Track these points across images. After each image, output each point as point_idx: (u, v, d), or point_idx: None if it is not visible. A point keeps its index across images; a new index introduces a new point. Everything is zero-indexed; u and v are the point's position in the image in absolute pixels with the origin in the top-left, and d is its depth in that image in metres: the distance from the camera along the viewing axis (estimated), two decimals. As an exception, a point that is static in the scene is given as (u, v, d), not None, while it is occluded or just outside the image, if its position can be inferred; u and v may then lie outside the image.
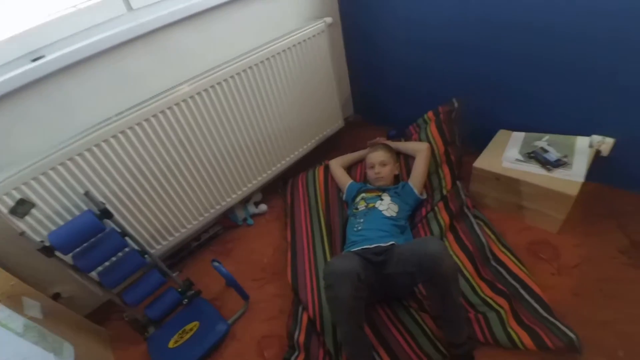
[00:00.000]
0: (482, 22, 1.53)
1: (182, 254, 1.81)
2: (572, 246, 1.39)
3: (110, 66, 1.39)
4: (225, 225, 1.92)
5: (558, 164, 1.44)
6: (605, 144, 1.43)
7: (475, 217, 1.55)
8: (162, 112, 1.44)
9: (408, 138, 1.84)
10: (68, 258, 1.29)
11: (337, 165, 1.86)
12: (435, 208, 1.58)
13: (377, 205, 1.50)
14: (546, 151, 1.51)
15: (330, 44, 1.89)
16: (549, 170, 1.43)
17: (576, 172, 1.39)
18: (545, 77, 1.48)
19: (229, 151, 1.71)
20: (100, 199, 1.39)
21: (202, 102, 1.53)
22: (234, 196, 1.81)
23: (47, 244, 1.20)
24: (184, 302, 1.55)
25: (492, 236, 1.48)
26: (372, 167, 1.67)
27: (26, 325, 1.18)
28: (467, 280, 1.35)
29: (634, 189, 1.49)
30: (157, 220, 1.60)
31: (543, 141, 1.56)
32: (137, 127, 1.40)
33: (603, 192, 1.53)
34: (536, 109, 1.59)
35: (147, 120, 1.42)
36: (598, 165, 1.43)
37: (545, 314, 1.19)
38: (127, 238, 1.38)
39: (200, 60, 1.59)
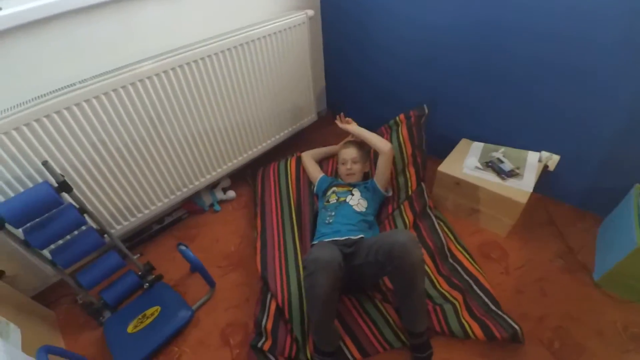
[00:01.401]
0: (449, 39, 1.63)
1: (143, 236, 1.71)
2: (518, 249, 1.53)
3: (75, 31, 1.28)
4: (190, 209, 1.84)
5: (511, 174, 1.57)
6: (552, 160, 1.59)
7: (437, 217, 1.65)
8: (131, 85, 1.35)
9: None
10: (19, 232, 1.16)
11: (309, 158, 1.87)
12: (401, 206, 1.66)
13: (347, 200, 1.54)
14: (501, 162, 1.64)
15: (310, 37, 1.89)
16: (503, 179, 1.56)
17: (526, 183, 1.53)
18: (504, 95, 1.61)
19: (200, 133, 1.64)
20: (59, 171, 1.27)
21: (173, 80, 1.46)
22: (202, 180, 1.74)
23: (-4, 216, 1.07)
24: (145, 287, 1.46)
25: (450, 236, 1.59)
26: (344, 163, 1.69)
27: None
28: (427, 275, 1.44)
29: (571, 202, 1.68)
30: (119, 199, 1.49)
31: (499, 153, 1.69)
32: (103, 97, 1.30)
33: (546, 202, 1.71)
34: (495, 123, 1.72)
35: (115, 90, 1.32)
36: (544, 178, 1.59)
37: (493, 308, 1.30)
38: (85, 215, 1.27)
39: (172, 36, 1.52)
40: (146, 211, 1.60)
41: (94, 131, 1.33)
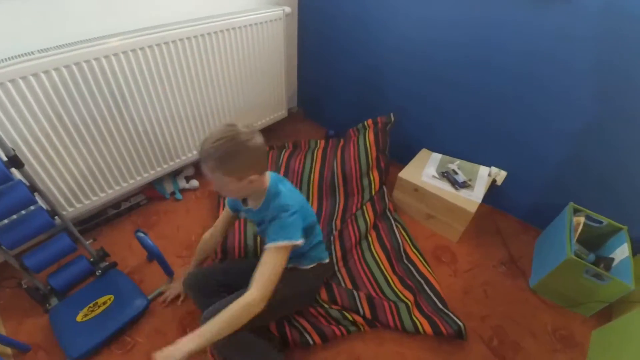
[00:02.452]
0: (421, 52, 1.72)
1: (98, 220, 1.61)
2: (466, 254, 1.65)
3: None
4: (149, 196, 1.76)
5: (463, 185, 1.69)
6: (500, 175, 1.74)
7: (395, 220, 1.74)
8: (95, 60, 1.28)
9: (347, 139, 1.94)
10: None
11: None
12: (364, 207, 1.72)
13: None
14: (456, 173, 1.76)
15: (285, 33, 1.89)
16: (456, 189, 1.67)
17: (476, 194, 1.65)
18: (464, 113, 1.74)
19: (165, 118, 1.58)
20: (9, 144, 1.16)
21: (141, 60, 1.40)
22: (164, 166, 1.68)
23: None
24: (97, 274, 1.38)
25: (407, 238, 1.68)
26: None
27: None
28: (382, 273, 1.51)
29: (516, 214, 1.85)
30: (73, 179, 1.40)
31: (455, 164, 1.81)
32: (63, 69, 1.22)
33: (494, 213, 1.86)
34: (453, 137, 1.84)
35: (77, 64, 1.24)
36: (492, 191, 1.73)
37: (441, 307, 1.40)
38: (36, 194, 1.18)
39: (143, 13, 1.46)
40: (102, 194, 1.51)
41: (51, 105, 1.24)
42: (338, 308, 1.34)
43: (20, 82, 1.15)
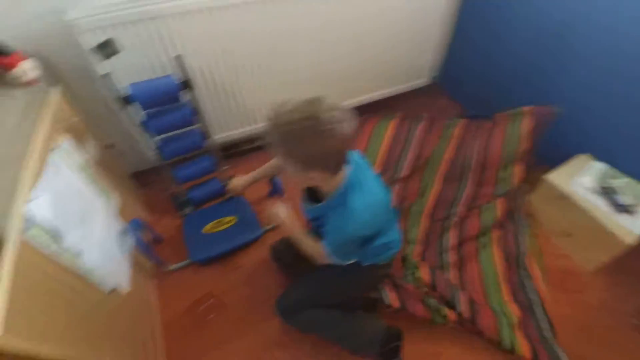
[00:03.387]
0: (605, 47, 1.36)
1: (233, 151, 1.78)
2: (599, 289, 1.40)
3: None
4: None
5: (625, 209, 1.38)
6: (683, 211, 1.37)
7: (525, 226, 1.54)
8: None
9: (495, 124, 1.72)
10: (137, 116, 1.25)
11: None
12: (495, 201, 1.56)
13: None
14: (618, 193, 1.44)
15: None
16: (614, 211, 1.39)
17: (639, 224, 1.34)
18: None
19: (312, 66, 1.60)
20: (196, 67, 1.33)
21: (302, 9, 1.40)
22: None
23: (126, 93, 1.15)
24: (225, 196, 1.56)
25: (533, 249, 1.48)
26: None
27: (84, 164, 1.18)
28: (494, 278, 1.38)
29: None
30: (228, 110, 1.55)
31: (620, 181, 1.48)
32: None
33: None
34: (628, 148, 1.49)
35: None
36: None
37: (548, 335, 1.23)
38: (196, 117, 1.33)
39: None
40: (246, 128, 1.65)
41: (231, 38, 1.35)
42: (436, 296, 1.28)
43: (211, 13, 1.26)
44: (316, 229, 1.02)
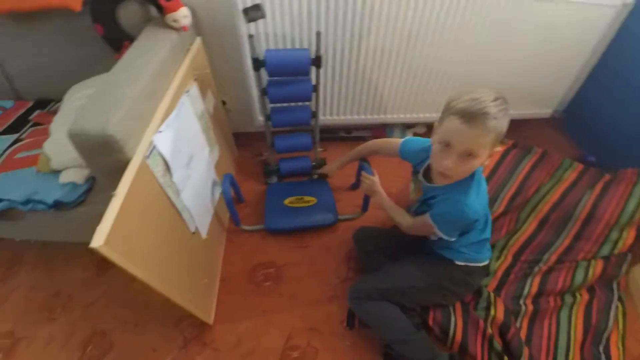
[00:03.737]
0: None
1: (329, 135, 1.81)
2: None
3: None
4: (376, 135, 1.85)
5: None
6: None
7: (619, 299, 1.33)
8: None
9: (618, 177, 1.52)
10: (260, 81, 1.31)
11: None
12: (593, 261, 1.37)
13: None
14: None
15: (608, 26, 1.52)
16: None
17: None
18: None
19: (449, 64, 1.55)
20: (323, 47, 1.36)
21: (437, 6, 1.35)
22: (405, 115, 1.70)
23: (260, 58, 1.20)
24: (312, 176, 1.59)
25: (619, 328, 1.27)
26: (446, 151, 0.87)
27: (202, 113, 1.27)
28: (567, 345, 1.21)
29: None
30: (343, 95, 1.58)
31: None
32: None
33: None
34: None
35: None
36: None
37: None
38: (314, 94, 1.36)
39: None
40: (354, 116, 1.67)
41: (360, 24, 1.36)
42: (501, 345, 1.17)
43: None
44: (419, 205, 1.13)
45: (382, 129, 1.84)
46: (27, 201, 1.06)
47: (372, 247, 1.29)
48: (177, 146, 1.03)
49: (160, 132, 0.94)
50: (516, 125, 1.83)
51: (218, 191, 1.40)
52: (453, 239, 1.04)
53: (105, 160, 0.84)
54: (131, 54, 1.02)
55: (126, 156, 0.83)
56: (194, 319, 1.17)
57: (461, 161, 0.85)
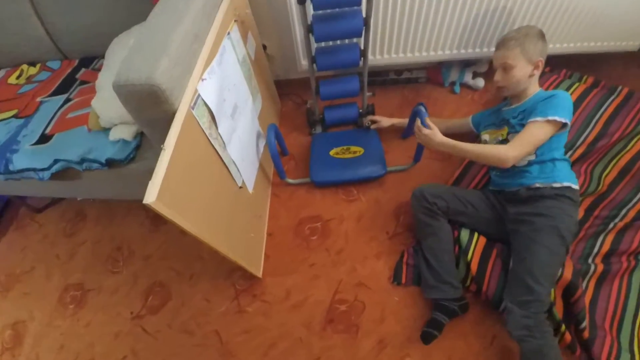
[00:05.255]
0: None
1: (376, 79, 1.69)
2: None
3: None
4: (430, 76, 1.70)
5: None
6: None
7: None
8: None
9: None
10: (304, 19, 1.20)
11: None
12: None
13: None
14: None
15: None
16: None
17: None
18: None
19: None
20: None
21: None
22: (461, 51, 1.51)
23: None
24: (359, 124, 1.51)
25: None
26: (495, 74, 1.18)
27: (244, 58, 1.20)
28: (636, 309, 1.14)
29: None
30: (390, 29, 1.41)
31: None
32: None
33: None
34: None
35: None
36: None
37: None
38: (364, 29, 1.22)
39: None
40: (401, 54, 1.50)
41: None
42: (561, 311, 1.11)
43: None
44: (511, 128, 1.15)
45: (437, 69, 1.68)
46: (82, 160, 1.10)
47: (432, 207, 1.16)
48: (221, 95, 0.99)
49: (204, 79, 0.90)
50: (597, 61, 1.64)
51: (262, 143, 1.36)
52: (568, 122, 1.04)
53: (151, 112, 0.82)
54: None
55: (172, 107, 0.81)
56: (244, 271, 1.22)
57: (504, 73, 1.14)
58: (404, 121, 1.48)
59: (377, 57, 1.50)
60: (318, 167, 1.43)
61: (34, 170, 1.11)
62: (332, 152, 1.44)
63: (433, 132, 1.14)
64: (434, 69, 1.68)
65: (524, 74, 1.11)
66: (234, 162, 1.08)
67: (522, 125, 1.09)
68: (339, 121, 1.53)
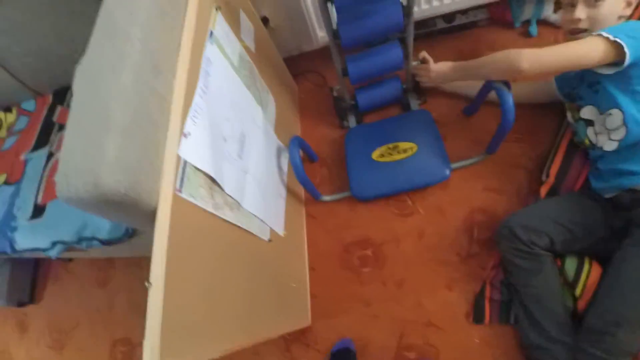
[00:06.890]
0: None
1: (422, 31, 1.26)
2: None
3: None
4: (494, 17, 1.25)
5: None
6: None
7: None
8: None
9: None
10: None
11: None
12: None
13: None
14: None
15: None
16: None
17: None
18: None
19: None
20: None
21: None
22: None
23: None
24: (403, 102, 1.15)
25: None
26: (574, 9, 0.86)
27: (241, 57, 0.87)
28: None
29: None
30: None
31: None
32: None
33: None
34: None
35: None
36: None
37: None
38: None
39: None
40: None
41: None
42: None
43: None
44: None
45: (503, 5, 1.22)
46: (80, 239, 0.97)
47: (542, 250, 0.86)
48: (219, 137, 0.70)
49: (187, 135, 0.57)
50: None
51: (285, 160, 1.06)
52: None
53: (122, 216, 0.58)
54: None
55: (148, 205, 0.54)
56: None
57: (588, 8, 0.84)
58: (469, 86, 1.11)
59: (423, 6, 1.08)
60: (359, 179, 1.13)
61: (39, 250, 1.04)
62: (374, 155, 1.12)
63: (440, 63, 1.05)
64: (499, 7, 1.22)
65: (614, 11, 0.84)
66: (254, 215, 0.80)
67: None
68: (378, 104, 1.18)
